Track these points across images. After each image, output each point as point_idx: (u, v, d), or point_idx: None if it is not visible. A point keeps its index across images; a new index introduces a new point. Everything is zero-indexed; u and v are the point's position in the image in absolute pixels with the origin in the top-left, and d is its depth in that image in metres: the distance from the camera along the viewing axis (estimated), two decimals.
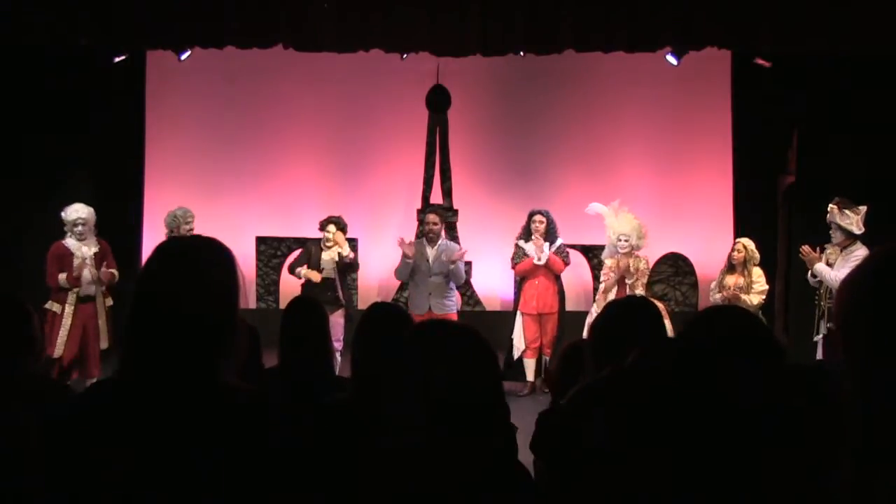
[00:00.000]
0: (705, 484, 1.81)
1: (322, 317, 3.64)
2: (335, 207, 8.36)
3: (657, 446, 1.94)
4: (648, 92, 9.63)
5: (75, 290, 6.98)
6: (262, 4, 7.35)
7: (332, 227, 7.67)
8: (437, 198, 9.94)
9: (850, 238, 6.69)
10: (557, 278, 8.02)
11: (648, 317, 3.02)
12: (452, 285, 7.83)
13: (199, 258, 1.86)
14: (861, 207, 6.70)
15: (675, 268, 9.54)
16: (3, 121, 8.05)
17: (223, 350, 1.82)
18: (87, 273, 6.97)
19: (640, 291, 7.46)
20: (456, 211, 9.92)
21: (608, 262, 7.77)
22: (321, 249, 7.72)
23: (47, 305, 6.99)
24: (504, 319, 8.50)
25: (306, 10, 7.33)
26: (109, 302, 7.21)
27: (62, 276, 6.94)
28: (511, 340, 8.02)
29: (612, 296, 7.37)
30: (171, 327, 1.77)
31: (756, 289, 7.29)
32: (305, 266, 7.66)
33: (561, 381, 3.58)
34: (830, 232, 6.82)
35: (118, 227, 7.83)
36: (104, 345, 7.14)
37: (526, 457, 2.93)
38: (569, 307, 8.24)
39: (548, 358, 7.91)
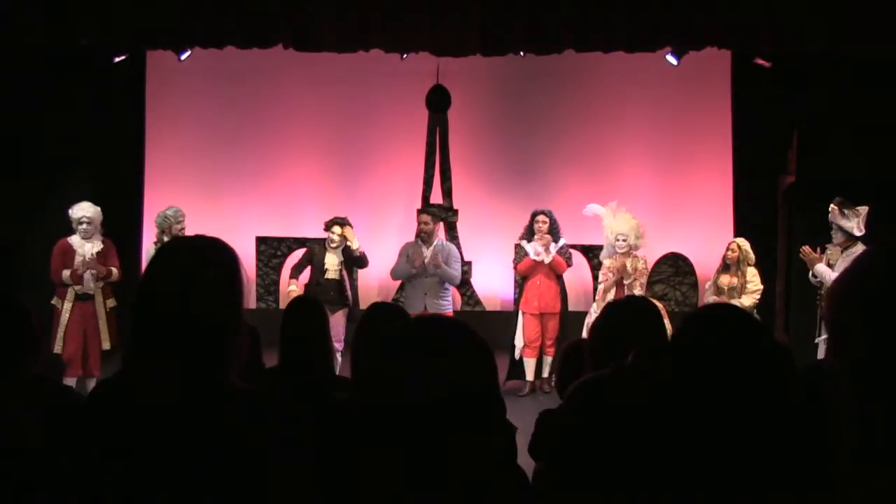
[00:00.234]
0: (705, 484, 1.81)
1: (322, 316, 3.64)
2: (335, 207, 8.37)
3: (657, 446, 1.94)
4: (648, 92, 9.63)
5: (76, 286, 7.02)
6: (262, 4, 7.35)
7: (336, 229, 7.68)
8: (437, 198, 9.95)
9: (851, 239, 6.68)
10: (559, 278, 8.03)
11: (648, 317, 3.02)
12: (448, 285, 7.85)
13: (203, 258, 1.86)
14: (862, 208, 6.69)
15: (675, 268, 9.55)
16: (2, 121, 8.05)
17: (227, 350, 1.82)
18: (88, 275, 7.01)
19: (639, 291, 7.46)
20: (456, 211, 9.93)
21: (606, 263, 7.77)
22: (325, 250, 7.73)
23: (53, 301, 7.09)
24: (504, 319, 8.51)
25: (306, 11, 7.33)
26: (112, 303, 7.23)
27: (66, 273, 7.00)
28: (514, 340, 8.04)
29: (611, 296, 7.37)
30: (175, 327, 1.77)
31: (749, 289, 7.29)
32: (296, 279, 7.75)
33: (561, 380, 3.59)
34: (831, 232, 6.81)
35: (118, 227, 7.83)
36: (105, 345, 7.15)
37: (526, 457, 2.93)
38: (569, 307, 8.24)
39: (549, 358, 7.92)
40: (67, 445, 1.77)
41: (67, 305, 7.05)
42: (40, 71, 8.12)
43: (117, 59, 8.54)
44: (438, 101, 9.89)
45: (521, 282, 8.18)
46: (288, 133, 9.99)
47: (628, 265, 7.56)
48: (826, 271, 6.65)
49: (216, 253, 1.88)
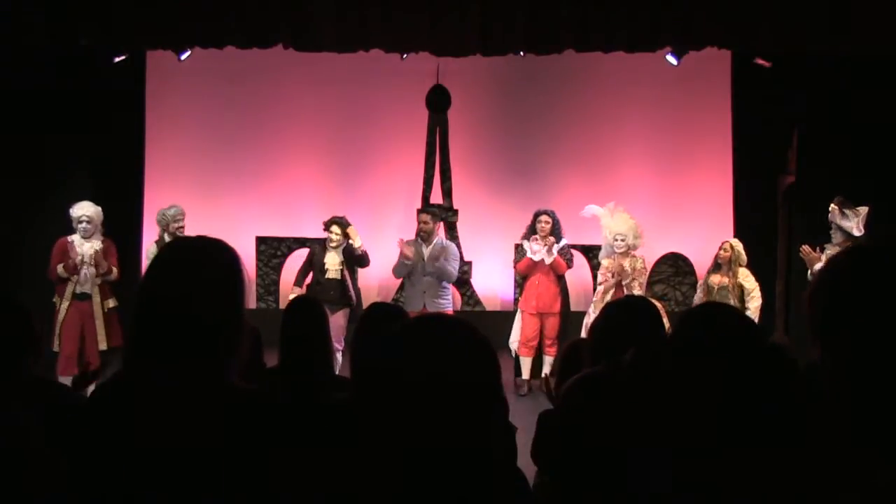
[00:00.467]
0: (705, 484, 1.81)
1: (322, 316, 3.64)
2: (335, 207, 8.37)
3: (657, 446, 1.94)
4: (648, 92, 9.63)
5: (73, 278, 7.03)
6: (262, 4, 7.35)
7: (336, 228, 7.67)
8: (437, 198, 9.95)
9: (851, 239, 6.67)
10: (560, 279, 8.02)
11: (647, 317, 3.02)
12: (447, 284, 7.85)
13: (204, 259, 1.86)
14: (862, 208, 6.69)
15: (675, 268, 9.55)
16: (3, 121, 8.05)
17: (228, 350, 1.82)
18: (85, 271, 7.02)
19: (638, 291, 7.45)
20: (456, 211, 9.93)
21: (605, 263, 7.77)
22: (325, 250, 7.73)
23: (54, 300, 7.11)
24: (504, 319, 8.51)
25: (306, 10, 7.33)
26: (113, 303, 7.23)
27: (60, 266, 7.02)
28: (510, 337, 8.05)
29: (610, 296, 7.37)
30: (176, 328, 1.77)
31: (748, 290, 7.27)
32: (300, 287, 7.77)
33: (561, 380, 3.59)
34: (831, 232, 6.82)
35: (118, 227, 7.83)
36: (102, 346, 7.15)
37: (526, 458, 2.93)
38: (570, 307, 8.24)
39: (549, 357, 7.91)
40: (67, 445, 1.78)
41: (65, 304, 7.07)
42: (40, 71, 8.11)
43: (117, 59, 8.54)
44: (438, 101, 9.89)
45: (521, 281, 8.18)
46: (288, 133, 9.99)
47: (626, 265, 7.56)
48: None
49: (217, 253, 1.88)
